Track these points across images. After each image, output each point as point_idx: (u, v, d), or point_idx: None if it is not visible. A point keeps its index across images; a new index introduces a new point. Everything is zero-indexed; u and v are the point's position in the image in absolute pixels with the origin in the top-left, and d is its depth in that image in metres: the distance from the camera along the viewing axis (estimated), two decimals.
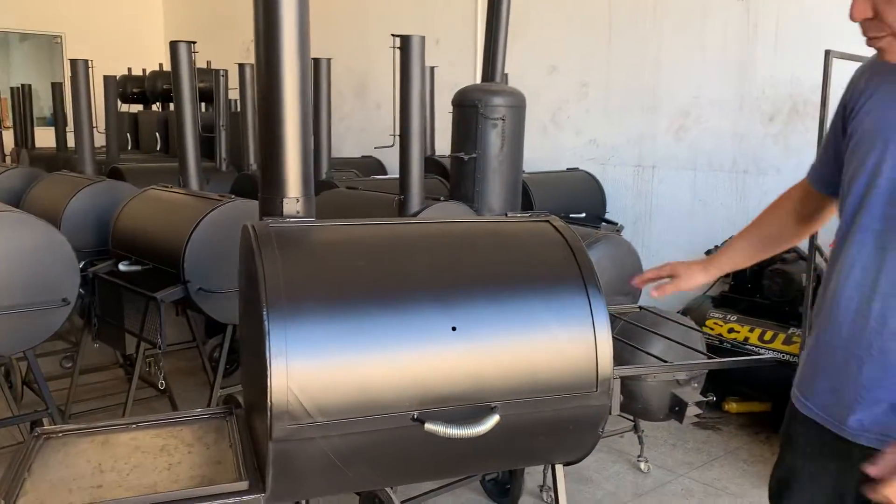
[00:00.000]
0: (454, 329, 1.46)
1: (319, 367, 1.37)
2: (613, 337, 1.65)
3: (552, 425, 1.59)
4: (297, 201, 1.64)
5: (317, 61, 3.86)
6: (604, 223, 4.76)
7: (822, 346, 1.40)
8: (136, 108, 7.96)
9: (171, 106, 5.60)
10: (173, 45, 3.09)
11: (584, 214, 4.67)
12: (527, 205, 4.36)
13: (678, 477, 3.41)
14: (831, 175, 1.48)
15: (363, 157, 6.40)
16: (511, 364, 1.50)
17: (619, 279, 3.34)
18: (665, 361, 2.23)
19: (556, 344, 1.54)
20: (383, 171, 6.13)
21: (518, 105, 3.68)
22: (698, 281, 1.74)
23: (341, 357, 1.39)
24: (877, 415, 1.29)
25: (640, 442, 3.44)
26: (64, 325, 2.74)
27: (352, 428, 1.40)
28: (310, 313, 1.39)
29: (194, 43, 3.16)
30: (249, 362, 1.61)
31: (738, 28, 4.37)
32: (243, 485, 1.44)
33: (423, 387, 1.44)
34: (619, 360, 2.88)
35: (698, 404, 2.64)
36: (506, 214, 1.76)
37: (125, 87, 7.41)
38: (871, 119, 1.34)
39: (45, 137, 7.30)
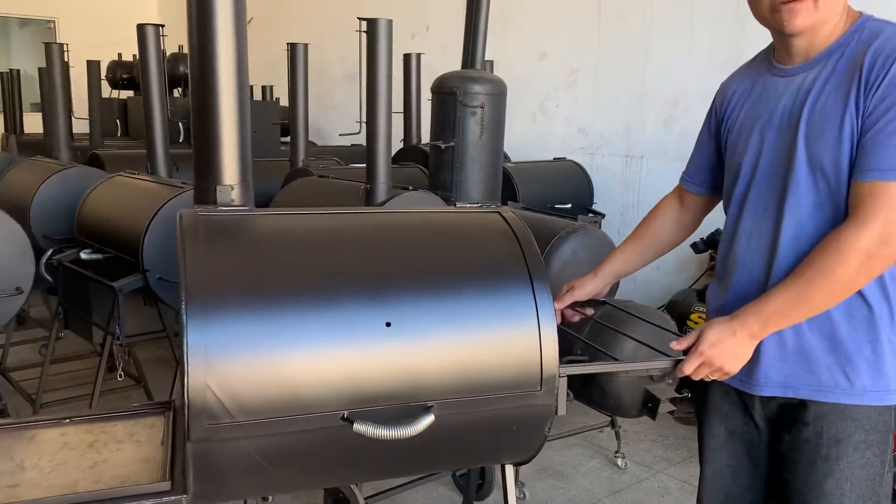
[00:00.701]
0: (388, 325, 1.39)
1: (242, 365, 1.31)
2: (583, 339, 1.63)
3: (494, 425, 1.53)
4: (233, 189, 1.57)
5: (293, 46, 3.79)
6: (589, 214, 4.69)
7: (728, 310, 1.54)
8: (127, 94, 7.89)
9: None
10: (140, 29, 3.02)
11: (569, 205, 4.59)
12: (510, 195, 4.28)
13: (656, 474, 3.35)
14: (706, 176, 1.79)
15: (353, 145, 6.32)
16: (448, 361, 1.44)
17: None
18: (616, 359, 2.16)
19: (498, 340, 1.47)
20: None
21: (498, 93, 3.60)
22: (588, 288, 1.93)
23: (266, 354, 1.32)
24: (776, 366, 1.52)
25: (618, 437, 3.38)
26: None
27: (277, 428, 1.34)
28: (233, 307, 1.33)
29: (162, 26, 3.09)
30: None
31: (727, 18, 4.27)
32: (165, 485, 1.38)
33: (353, 385, 1.37)
34: (593, 357, 2.82)
35: (672, 401, 2.57)
36: (454, 205, 1.69)
37: (115, 73, 7.33)
38: (744, 115, 1.60)
39: (37, 123, 7.24)
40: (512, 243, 1.57)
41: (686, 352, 1.56)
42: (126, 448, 1.55)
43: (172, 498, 1.36)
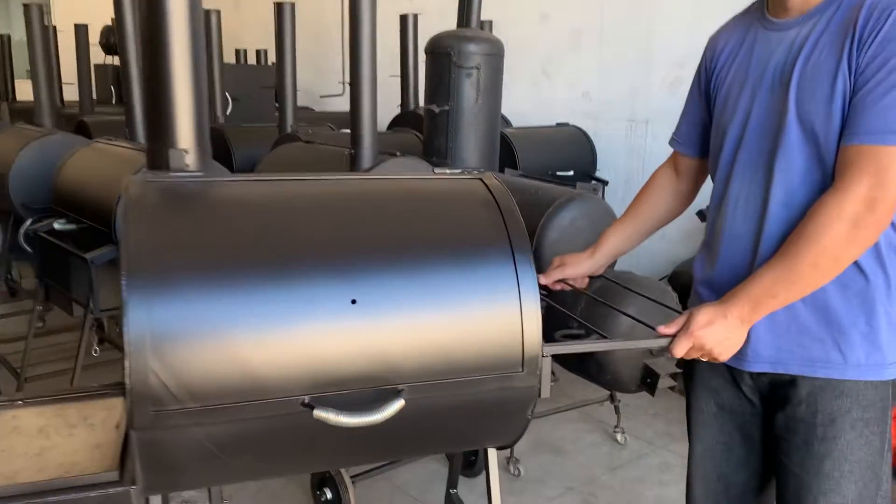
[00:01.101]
0: (354, 302, 1.27)
1: (191, 346, 1.19)
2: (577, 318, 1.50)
3: (472, 409, 1.41)
4: (187, 153, 1.44)
5: (279, 6, 3.62)
6: (592, 181, 4.54)
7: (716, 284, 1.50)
8: None
9: None
10: None
11: (571, 172, 4.44)
12: (509, 162, 4.13)
13: (657, 449, 3.25)
14: (698, 136, 1.66)
15: None
16: (421, 341, 1.32)
17: (592, 242, 3.14)
18: (605, 336, 2.05)
19: (476, 318, 1.35)
20: None
21: (495, 53, 3.43)
22: (584, 267, 1.80)
23: (218, 334, 1.21)
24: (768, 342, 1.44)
25: (617, 412, 3.28)
26: None
27: (231, 415, 1.22)
28: (182, 283, 1.21)
29: None
30: None
31: None
32: (112, 475, 1.27)
33: (315, 368, 1.26)
34: (588, 330, 2.70)
35: (672, 376, 2.46)
36: (433, 170, 1.55)
37: (108, 39, 7.16)
38: (734, 72, 1.50)
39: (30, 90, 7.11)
40: (493, 213, 1.44)
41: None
42: (78, 433, 1.44)
43: (118, 490, 1.26)
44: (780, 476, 1.51)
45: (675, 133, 1.73)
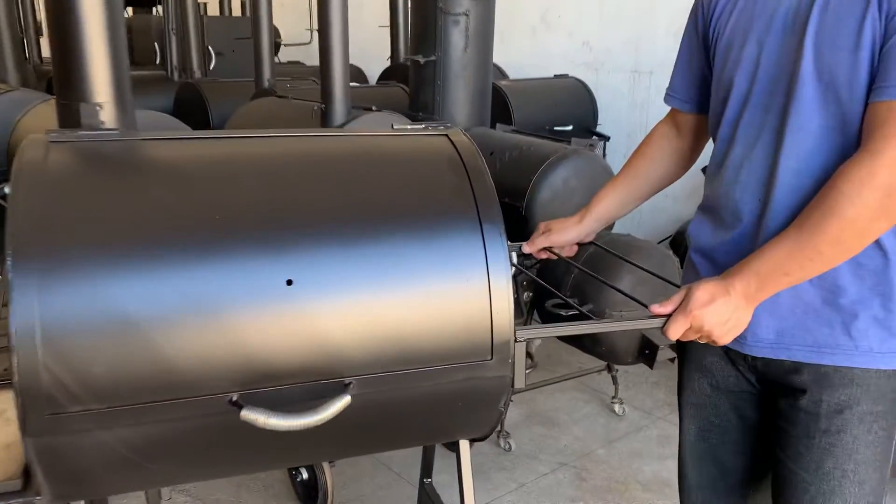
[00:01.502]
0: (290, 283, 1.08)
1: (93, 337, 1.01)
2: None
3: (433, 403, 1.23)
4: (101, 108, 1.24)
5: None
6: (593, 136, 4.30)
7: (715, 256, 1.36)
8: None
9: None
10: None
11: (570, 127, 4.20)
12: (504, 117, 3.90)
13: (656, 420, 3.09)
14: (697, 90, 1.46)
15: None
16: (371, 327, 1.13)
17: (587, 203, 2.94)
18: (591, 316, 1.86)
19: (435, 300, 1.16)
20: (363, 79, 5.65)
21: None
22: (572, 233, 1.61)
23: (127, 322, 1.02)
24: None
25: (615, 382, 3.11)
26: None
27: (146, 416, 1.05)
28: (82, 263, 1.02)
29: None
30: None
31: None
32: (15, 483, 1.11)
33: (245, 360, 1.08)
34: (582, 298, 2.51)
35: (673, 347, 2.29)
36: (391, 126, 1.35)
37: None
38: (737, 17, 1.30)
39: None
40: (459, 175, 1.24)
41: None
42: None
43: (19, 500, 1.09)
44: (776, 471, 1.36)
45: (669, 87, 1.53)
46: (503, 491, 2.58)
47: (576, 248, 1.70)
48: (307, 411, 1.07)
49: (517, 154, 2.81)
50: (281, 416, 1.05)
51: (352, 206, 1.16)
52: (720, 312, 1.21)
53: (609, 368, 3.09)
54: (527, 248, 1.66)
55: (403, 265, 1.15)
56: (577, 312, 2.45)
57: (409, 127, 1.35)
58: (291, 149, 1.25)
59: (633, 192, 1.62)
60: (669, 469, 2.72)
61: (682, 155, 1.59)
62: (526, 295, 2.94)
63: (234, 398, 1.07)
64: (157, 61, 5.88)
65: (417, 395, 1.20)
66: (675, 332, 1.25)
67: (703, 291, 1.22)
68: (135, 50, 6.05)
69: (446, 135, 1.34)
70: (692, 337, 1.27)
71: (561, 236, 1.63)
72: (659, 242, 4.03)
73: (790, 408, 1.31)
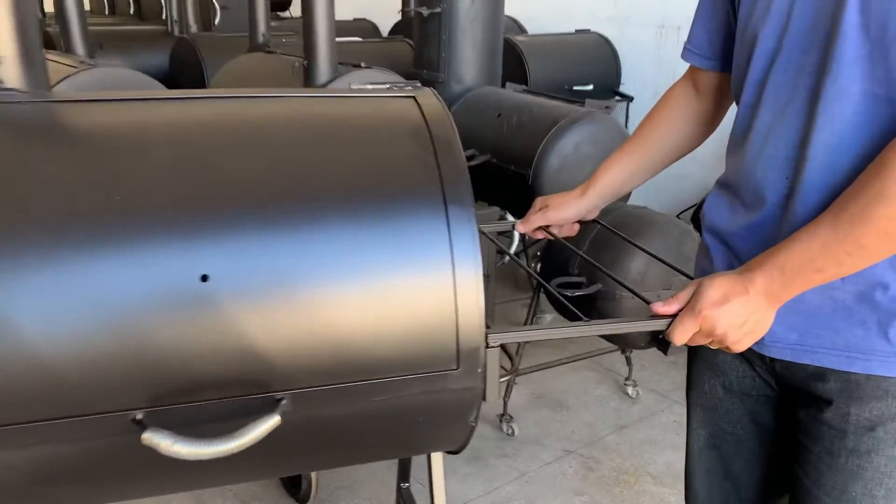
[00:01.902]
0: (205, 278, 0.89)
1: None
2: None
3: (387, 419, 1.04)
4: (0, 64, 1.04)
5: None
6: (615, 97, 4.03)
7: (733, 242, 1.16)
8: None
9: None
10: None
11: (591, 87, 3.93)
12: (519, 76, 3.64)
13: (672, 405, 2.88)
14: (719, 44, 1.24)
15: (355, 19, 5.63)
16: (309, 332, 0.94)
17: None
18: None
19: (388, 299, 0.96)
20: (377, 34, 5.39)
21: None
22: (571, 210, 1.41)
23: (6, 327, 0.84)
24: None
25: (629, 363, 2.91)
26: None
27: (28, 437, 0.87)
28: None
29: None
30: None
31: None
32: None
33: (153, 372, 0.89)
34: (591, 277, 2.29)
35: None
36: (349, 86, 1.14)
37: None
38: None
39: None
40: (423, 148, 1.03)
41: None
42: None
43: None
44: (794, 491, 1.18)
45: (688, 40, 1.30)
46: (503, 480, 2.41)
47: (576, 227, 1.49)
48: (222, 436, 0.88)
49: (526, 117, 2.57)
50: (189, 441, 0.86)
51: (286, 185, 0.96)
52: (736, 314, 1.01)
53: (623, 348, 2.88)
54: (520, 226, 1.47)
55: (348, 256, 0.95)
56: (582, 293, 2.25)
57: (369, 86, 1.14)
58: (223, 114, 1.04)
59: (645, 163, 1.41)
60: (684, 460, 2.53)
61: (702, 120, 1.37)
62: (537, 267, 2.74)
63: (139, 416, 0.89)
64: (131, 11, 5.68)
65: (367, 410, 1.01)
66: (681, 336, 1.06)
67: (716, 288, 1.02)
68: (142, 4, 5.86)
69: (413, 97, 1.12)
70: (701, 341, 1.07)
71: (559, 213, 1.43)
72: (681, 213, 3.79)
73: (812, 420, 1.12)
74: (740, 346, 1.05)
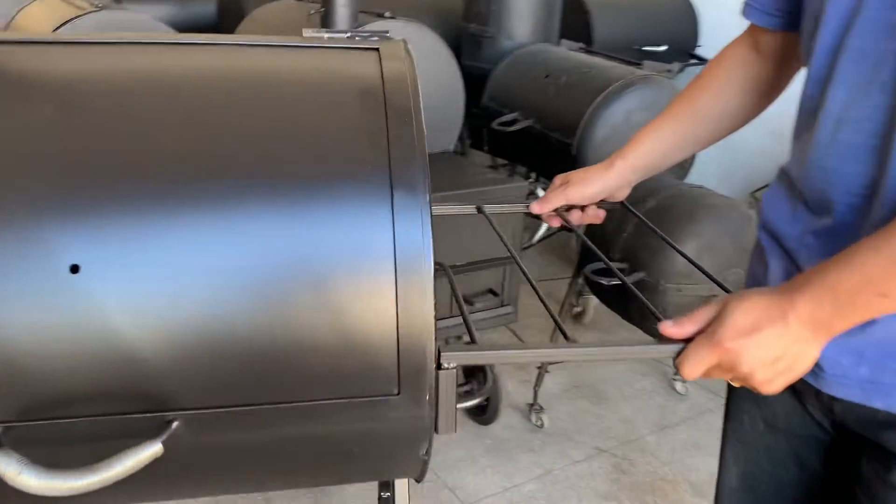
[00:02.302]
0: (75, 269, 0.72)
1: None
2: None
3: (312, 448, 0.86)
4: None
5: None
6: (691, 60, 3.67)
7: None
8: None
9: None
10: None
11: (664, 48, 3.58)
12: (584, 34, 3.33)
13: (722, 404, 2.60)
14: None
15: None
16: (210, 341, 0.75)
17: None
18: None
19: (310, 306, 0.77)
20: None
21: None
22: (595, 186, 1.18)
23: None
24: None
25: None
26: None
27: None
28: None
29: None
30: None
31: None
32: None
33: (14, 381, 0.73)
34: (634, 263, 2.04)
35: None
36: (302, 33, 0.93)
37: None
38: None
39: None
40: (373, 115, 0.82)
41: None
42: None
43: None
44: None
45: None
46: (524, 477, 2.22)
47: (601, 214, 1.27)
48: (84, 468, 0.71)
49: (575, 79, 2.31)
50: (39, 473, 0.70)
51: (188, 156, 0.77)
52: (768, 347, 0.79)
53: None
54: (535, 207, 1.24)
55: (259, 250, 0.76)
56: (620, 282, 2.00)
57: (325, 35, 0.93)
58: (132, 65, 0.85)
59: (688, 135, 1.17)
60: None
61: (761, 88, 1.13)
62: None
63: None
64: None
65: (287, 437, 0.83)
66: (693, 368, 0.83)
67: (745, 313, 0.80)
68: None
69: (377, 49, 0.91)
70: (721, 377, 0.85)
71: (579, 190, 1.20)
72: (756, 191, 3.44)
73: (876, 478, 0.90)
74: (771, 387, 0.82)
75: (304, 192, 0.77)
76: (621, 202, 1.28)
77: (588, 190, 1.19)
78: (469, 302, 1.81)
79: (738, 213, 1.97)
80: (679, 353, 0.85)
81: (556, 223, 1.26)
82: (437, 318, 0.80)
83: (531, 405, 2.46)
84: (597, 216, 1.26)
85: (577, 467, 2.28)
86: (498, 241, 1.88)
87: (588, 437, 2.41)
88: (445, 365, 0.82)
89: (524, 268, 1.09)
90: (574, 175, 1.22)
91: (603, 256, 1.20)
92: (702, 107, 1.15)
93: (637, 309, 2.06)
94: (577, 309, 3.08)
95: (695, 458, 2.34)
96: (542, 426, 2.42)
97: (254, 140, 0.78)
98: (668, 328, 0.85)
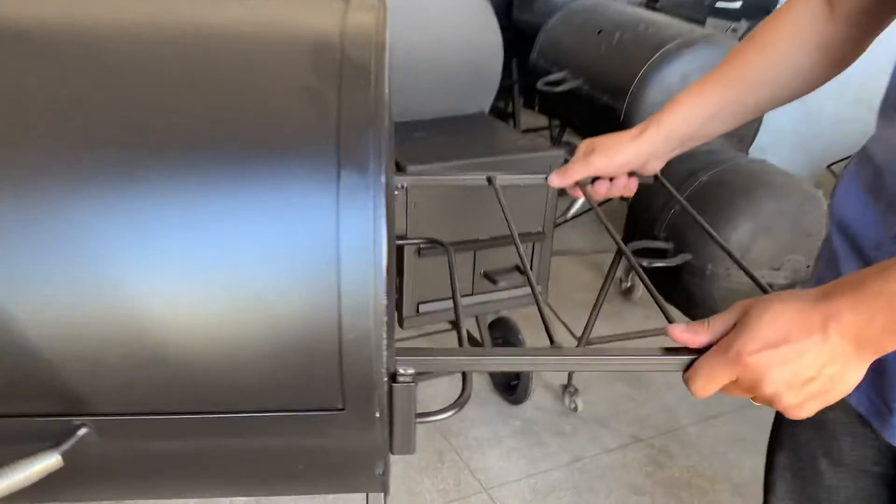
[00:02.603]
0: None
1: None
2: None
3: (250, 462, 0.75)
4: None
5: None
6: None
7: None
8: None
9: None
10: None
11: (738, 3, 3.28)
12: None
13: None
14: None
15: None
16: (125, 339, 0.65)
17: None
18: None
19: (238, 303, 0.65)
20: None
21: None
22: (623, 156, 1.02)
23: None
24: None
25: None
26: None
27: None
28: None
29: None
30: None
31: None
32: None
33: None
34: (679, 244, 1.86)
35: None
36: None
37: None
38: None
39: None
40: (325, 78, 0.68)
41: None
42: None
43: None
44: None
45: None
46: (552, 463, 2.10)
47: (632, 185, 1.12)
48: None
49: (629, 36, 2.10)
50: None
51: (99, 120, 0.65)
52: (799, 364, 0.65)
53: None
54: (555, 179, 1.09)
55: (180, 234, 0.64)
56: (664, 265, 1.83)
57: None
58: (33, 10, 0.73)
59: (734, 103, 0.99)
60: None
61: (831, 52, 0.94)
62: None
63: None
64: None
65: (218, 449, 0.72)
66: (705, 385, 0.69)
67: (772, 321, 0.65)
68: None
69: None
70: (741, 394, 0.71)
71: (605, 159, 1.05)
72: (832, 164, 3.16)
73: None
74: (800, 412, 0.68)
75: (235, 165, 0.64)
76: (654, 176, 1.12)
77: (615, 159, 1.04)
78: (492, 280, 1.67)
79: (800, 193, 1.76)
80: (688, 367, 0.70)
81: (578, 194, 1.11)
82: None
83: (565, 386, 2.32)
84: (627, 188, 1.11)
85: (609, 456, 2.14)
86: (527, 213, 1.73)
87: (624, 425, 2.26)
88: (402, 377, 0.70)
89: (522, 253, 0.94)
90: (600, 142, 1.06)
91: (616, 236, 1.04)
92: (755, 70, 0.97)
93: (683, 294, 1.89)
94: (626, 285, 2.90)
95: (738, 453, 2.17)
96: (575, 409, 2.29)
97: (185, 106, 0.66)
98: (678, 333, 0.71)
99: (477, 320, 2.10)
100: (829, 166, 3.23)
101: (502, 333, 2.27)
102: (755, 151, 2.56)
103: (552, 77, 2.28)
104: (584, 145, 1.08)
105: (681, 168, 1.87)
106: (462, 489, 2.01)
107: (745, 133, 2.05)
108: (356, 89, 0.67)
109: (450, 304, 1.68)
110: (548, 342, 0.76)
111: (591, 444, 2.18)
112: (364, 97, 0.67)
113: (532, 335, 2.55)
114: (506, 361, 0.73)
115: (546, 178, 1.11)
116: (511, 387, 2.28)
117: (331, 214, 0.64)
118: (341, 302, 0.64)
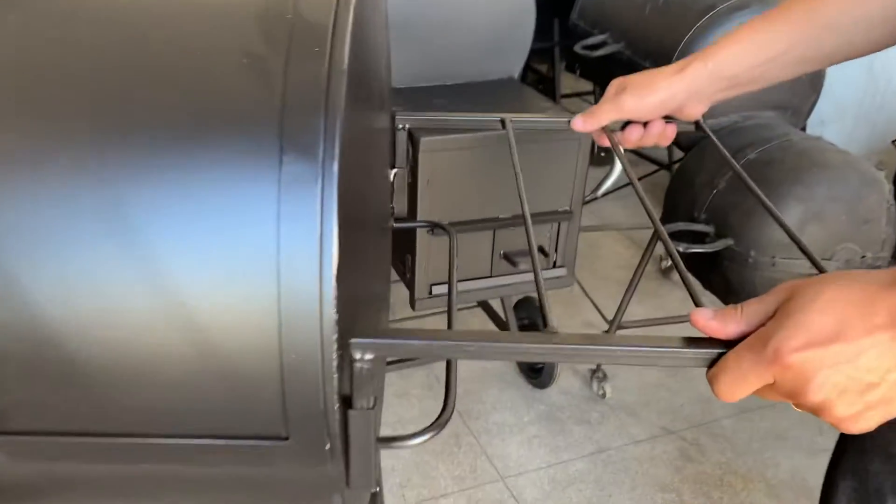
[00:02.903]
0: None
1: None
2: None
3: (187, 489, 0.65)
4: None
5: None
6: None
7: None
8: None
9: None
10: None
11: None
12: None
13: None
14: None
15: None
16: (38, 351, 0.55)
17: None
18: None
19: (163, 314, 0.54)
20: None
21: None
22: (658, 94, 0.88)
23: None
24: None
25: None
26: None
27: None
28: None
29: None
30: None
31: None
32: None
33: None
34: (721, 228, 1.70)
35: None
36: None
37: None
38: None
39: None
40: (271, 47, 0.56)
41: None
42: None
43: None
44: None
45: None
46: (575, 453, 1.99)
47: (669, 131, 0.99)
48: None
49: None
50: None
51: (11, 105, 0.54)
52: (857, 367, 0.52)
53: None
54: (578, 123, 0.95)
55: (102, 229, 0.53)
56: (702, 250, 1.67)
57: None
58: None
59: (800, 44, 0.84)
60: (819, 470, 1.95)
61: None
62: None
63: None
64: None
65: (148, 475, 0.62)
66: (733, 389, 0.57)
67: (823, 309, 0.52)
68: None
69: None
70: (779, 399, 0.58)
71: (637, 99, 0.90)
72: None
73: None
74: (856, 425, 0.55)
75: (139, 156, 0.53)
76: (696, 122, 0.97)
77: (649, 98, 0.89)
78: (512, 262, 1.55)
79: (857, 175, 1.58)
80: (713, 363, 0.58)
81: (606, 143, 0.97)
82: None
83: (594, 371, 2.20)
84: (663, 136, 0.96)
85: (637, 448, 2.02)
86: (552, 188, 1.59)
87: (655, 415, 2.13)
88: (359, 357, 0.58)
89: (531, 233, 0.82)
90: (633, 79, 0.92)
91: (654, 214, 0.90)
92: (829, 9, 0.82)
93: (722, 281, 1.74)
94: (666, 264, 2.74)
95: (774, 450, 2.03)
96: (603, 396, 2.16)
97: (111, 82, 0.55)
98: (703, 319, 0.58)
99: (502, 301, 1.98)
100: (894, 141, 2.99)
101: (528, 314, 2.16)
102: (813, 126, 2.36)
103: (591, 40, 2.12)
104: (613, 85, 0.93)
105: (727, 144, 1.71)
106: (478, 476, 1.91)
107: (800, 105, 1.86)
108: (307, 58, 0.55)
109: (465, 286, 1.57)
110: (581, 325, 0.64)
111: (618, 435, 2.06)
112: (316, 67, 0.55)
113: (564, 315, 2.43)
114: (487, 348, 0.61)
115: (569, 121, 0.97)
116: (536, 370, 2.17)
117: (270, 208, 0.53)
118: (281, 313, 0.54)
